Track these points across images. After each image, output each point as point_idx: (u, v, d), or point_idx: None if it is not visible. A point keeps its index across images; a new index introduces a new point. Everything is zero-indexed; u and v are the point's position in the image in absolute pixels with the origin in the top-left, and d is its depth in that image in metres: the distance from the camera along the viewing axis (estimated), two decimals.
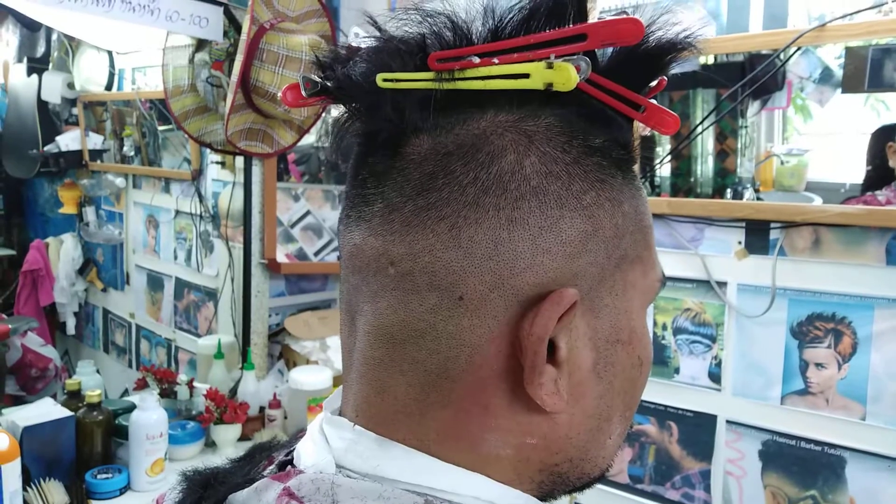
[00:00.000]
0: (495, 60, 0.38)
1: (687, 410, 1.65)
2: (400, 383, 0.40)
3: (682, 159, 1.72)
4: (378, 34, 0.40)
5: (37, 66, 2.96)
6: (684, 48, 0.40)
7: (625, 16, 0.38)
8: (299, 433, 0.48)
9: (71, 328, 3.10)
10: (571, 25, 0.38)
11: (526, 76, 0.38)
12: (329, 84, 0.41)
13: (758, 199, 1.65)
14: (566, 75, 0.37)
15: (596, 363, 0.40)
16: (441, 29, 0.39)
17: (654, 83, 0.42)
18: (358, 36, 0.41)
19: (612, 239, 0.40)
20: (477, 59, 0.38)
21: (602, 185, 0.39)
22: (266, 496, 0.40)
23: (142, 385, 2.02)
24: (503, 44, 0.38)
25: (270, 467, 0.46)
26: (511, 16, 0.39)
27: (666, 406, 1.68)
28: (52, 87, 2.90)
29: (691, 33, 0.40)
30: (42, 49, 2.97)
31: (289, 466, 0.44)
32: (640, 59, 0.40)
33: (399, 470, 0.39)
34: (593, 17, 0.38)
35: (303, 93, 0.42)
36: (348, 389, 0.44)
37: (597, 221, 0.39)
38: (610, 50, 0.40)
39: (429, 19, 0.39)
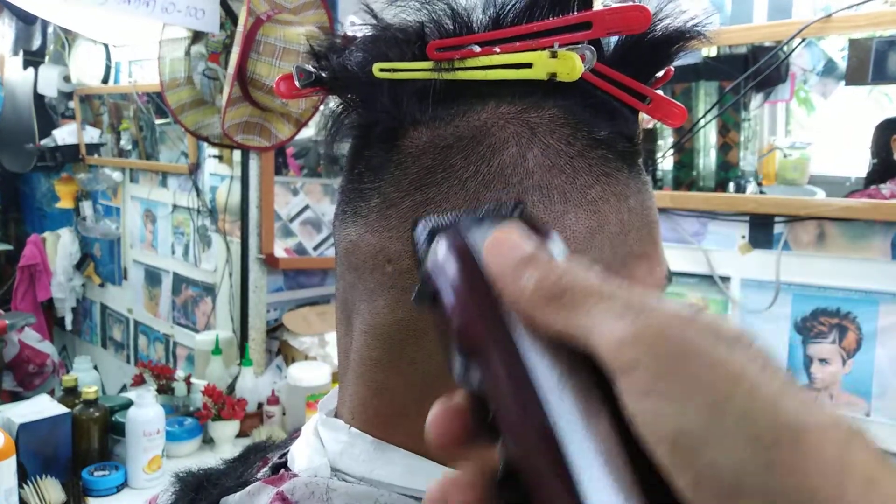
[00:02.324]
0: (497, 49, 0.37)
1: None
2: (398, 384, 0.39)
3: (685, 152, 1.70)
4: (374, 22, 0.39)
5: (33, 60, 2.94)
6: (693, 37, 0.39)
7: (631, 3, 0.36)
8: (294, 434, 0.48)
9: (69, 323, 3.09)
10: (576, 13, 0.37)
11: (529, 66, 0.36)
12: (324, 74, 0.39)
13: (761, 192, 1.64)
14: (570, 65, 0.36)
15: None
16: (440, 17, 0.38)
17: (660, 73, 0.41)
18: (354, 24, 0.40)
19: (618, 235, 0.38)
20: (478, 48, 0.37)
21: (608, 179, 0.38)
22: (259, 500, 0.40)
23: (139, 381, 2.01)
24: (505, 32, 0.37)
25: (264, 469, 0.45)
26: (513, 3, 0.37)
27: None
28: (49, 81, 2.89)
29: (699, 22, 0.39)
30: (38, 42, 2.95)
31: (282, 469, 0.43)
32: (647, 49, 0.39)
33: (396, 474, 0.38)
34: (598, 5, 0.37)
35: (297, 83, 0.40)
36: (344, 390, 0.43)
37: (602, 217, 0.37)
38: (614, 39, 0.38)
39: (427, 6, 0.38)
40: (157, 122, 2.64)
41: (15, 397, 2.30)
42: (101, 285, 3.01)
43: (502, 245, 0.26)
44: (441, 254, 0.29)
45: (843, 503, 0.19)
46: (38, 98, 2.92)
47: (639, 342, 0.22)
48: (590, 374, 0.24)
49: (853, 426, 0.21)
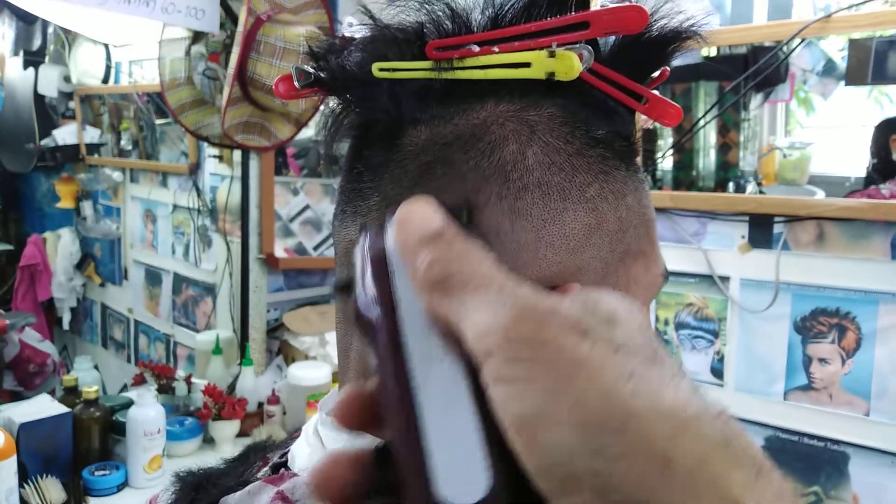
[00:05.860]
0: (495, 49, 0.37)
1: None
2: None
3: (685, 152, 1.70)
4: (372, 23, 0.39)
5: (33, 60, 2.94)
6: (688, 37, 0.39)
7: (628, 3, 0.36)
8: (294, 433, 0.48)
9: (69, 323, 3.09)
10: (573, 13, 0.37)
11: (527, 65, 0.36)
12: (323, 75, 0.40)
13: (760, 192, 1.64)
14: (569, 64, 0.36)
15: None
16: (439, 16, 0.38)
17: (656, 73, 0.41)
18: (352, 25, 0.40)
19: (616, 233, 0.38)
20: (476, 48, 0.37)
21: (606, 177, 0.38)
22: (259, 499, 0.40)
23: (139, 381, 2.01)
24: (503, 32, 0.37)
25: (265, 469, 0.46)
26: (511, 3, 0.38)
27: None
28: (49, 81, 2.88)
29: (695, 22, 0.39)
30: (38, 42, 2.95)
31: (282, 469, 0.43)
32: (643, 49, 0.39)
33: None
34: (595, 5, 0.37)
35: (296, 84, 0.40)
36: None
37: (600, 214, 0.38)
38: (611, 39, 0.39)
39: (426, 6, 0.38)
40: (158, 122, 2.64)
41: (15, 397, 2.30)
42: (102, 285, 3.01)
43: (407, 221, 0.26)
44: (358, 242, 0.29)
45: (667, 491, 0.20)
46: (39, 98, 2.91)
47: (495, 331, 0.23)
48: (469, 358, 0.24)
49: (689, 413, 0.21)
